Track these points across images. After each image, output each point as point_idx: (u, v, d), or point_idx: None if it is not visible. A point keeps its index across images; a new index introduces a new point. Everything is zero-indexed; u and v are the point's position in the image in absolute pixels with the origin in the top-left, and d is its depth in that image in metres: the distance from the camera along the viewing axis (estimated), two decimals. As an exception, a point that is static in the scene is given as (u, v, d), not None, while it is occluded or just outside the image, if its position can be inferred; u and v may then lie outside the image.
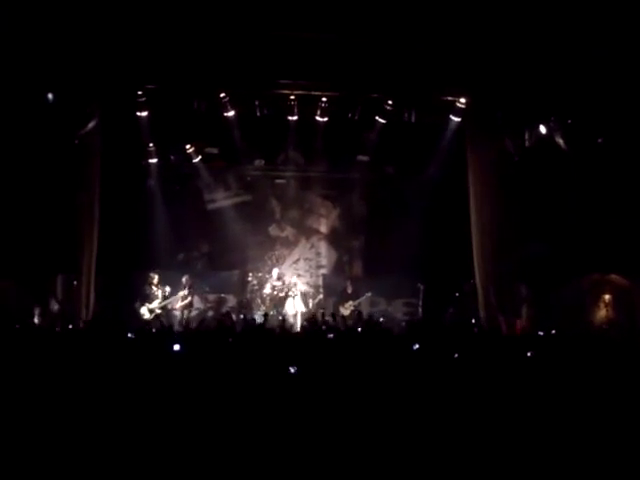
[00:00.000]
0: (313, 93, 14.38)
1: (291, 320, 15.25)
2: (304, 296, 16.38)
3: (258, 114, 14.65)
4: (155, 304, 14.90)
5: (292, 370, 6.40)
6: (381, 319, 14.83)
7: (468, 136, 14.88)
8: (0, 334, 9.81)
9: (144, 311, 14.84)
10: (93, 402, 5.39)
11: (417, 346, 8.54)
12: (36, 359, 6.91)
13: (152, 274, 15.13)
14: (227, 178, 17.52)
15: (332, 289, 16.75)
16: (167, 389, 5.72)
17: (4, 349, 7.76)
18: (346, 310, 15.65)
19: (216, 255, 17.16)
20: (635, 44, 11.73)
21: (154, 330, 12.06)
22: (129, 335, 9.36)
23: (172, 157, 16.65)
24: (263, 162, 17.45)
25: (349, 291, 15.94)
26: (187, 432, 4.95)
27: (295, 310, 15.71)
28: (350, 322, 14.62)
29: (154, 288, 15.03)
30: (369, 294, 15.93)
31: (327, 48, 12.95)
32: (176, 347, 7.66)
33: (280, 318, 14.70)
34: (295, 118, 14.74)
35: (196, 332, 11.42)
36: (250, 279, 16.55)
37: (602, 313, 14.62)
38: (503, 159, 14.66)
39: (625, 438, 4.99)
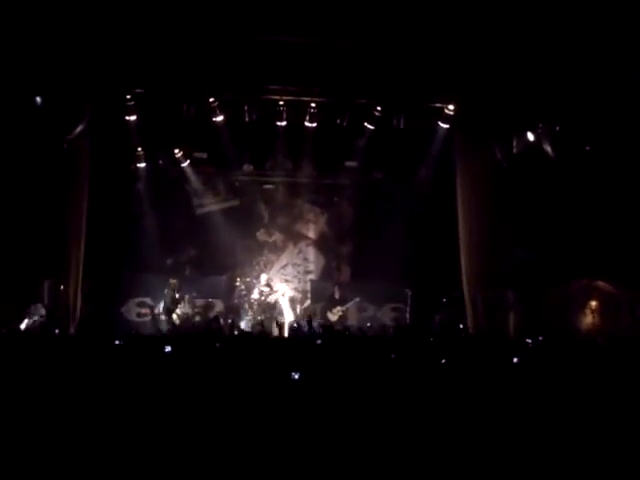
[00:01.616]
0: (302, 99, 14.38)
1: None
2: (292, 302, 16.39)
3: (247, 119, 14.61)
4: (179, 309, 15.02)
5: (296, 376, 6.37)
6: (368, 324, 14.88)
7: (456, 143, 14.93)
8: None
9: (174, 317, 14.93)
10: (82, 407, 5.37)
11: (393, 355, 8.54)
12: (24, 364, 6.88)
13: (172, 280, 15.24)
14: (215, 183, 17.51)
15: (320, 295, 16.75)
16: (159, 393, 5.71)
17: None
18: (334, 315, 15.66)
19: (204, 260, 17.13)
20: (622, 52, 11.81)
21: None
22: (117, 342, 9.30)
23: (160, 161, 16.62)
24: (252, 167, 17.43)
25: (337, 296, 15.94)
26: (177, 437, 4.94)
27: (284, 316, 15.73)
28: (338, 327, 14.63)
29: (177, 294, 15.16)
30: (357, 299, 15.94)
31: (316, 54, 12.96)
32: (167, 348, 7.68)
33: (273, 323, 14.81)
34: (284, 124, 14.72)
35: (185, 335, 11.43)
36: (238, 284, 16.53)
37: (588, 319, 14.69)
38: (491, 165, 14.71)
39: (613, 443, 5.02)
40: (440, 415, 5.68)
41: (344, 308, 15.76)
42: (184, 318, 15.09)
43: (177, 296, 15.27)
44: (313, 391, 6.10)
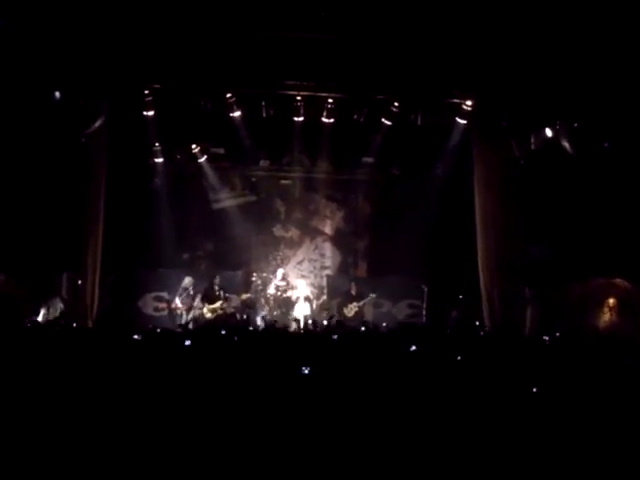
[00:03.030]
0: (319, 94, 14.37)
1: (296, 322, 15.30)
2: (307, 298, 16.36)
3: (264, 115, 14.61)
4: (217, 304, 15.06)
5: (306, 371, 6.35)
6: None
7: (474, 139, 14.88)
8: (7, 332, 9.83)
9: (206, 311, 15.01)
10: (101, 401, 5.41)
11: (414, 347, 8.53)
12: (42, 357, 6.94)
13: (216, 276, 15.35)
14: (232, 178, 17.55)
15: (336, 290, 16.76)
16: (175, 387, 5.73)
17: (11, 347, 7.77)
18: (350, 311, 15.64)
19: (220, 255, 17.17)
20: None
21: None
22: (136, 336, 9.34)
23: (178, 157, 16.67)
24: (268, 163, 17.46)
25: (353, 292, 15.92)
26: (193, 433, 4.96)
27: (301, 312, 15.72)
28: (353, 324, 14.63)
29: (216, 288, 15.19)
30: (374, 295, 15.88)
31: (334, 49, 12.97)
32: (187, 342, 7.76)
33: (290, 317, 14.86)
34: (301, 119, 14.71)
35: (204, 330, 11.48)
36: (254, 279, 16.55)
37: (606, 317, 14.60)
38: (509, 162, 14.67)
39: (628, 442, 4.99)
40: (454, 412, 5.66)
41: (360, 304, 15.72)
42: (220, 313, 15.10)
43: (217, 291, 15.25)
44: (325, 386, 6.10)
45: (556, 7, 11.80)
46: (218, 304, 15.08)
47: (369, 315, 15.93)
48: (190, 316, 15.14)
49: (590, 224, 14.02)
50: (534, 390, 6.24)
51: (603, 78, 12.36)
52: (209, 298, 15.16)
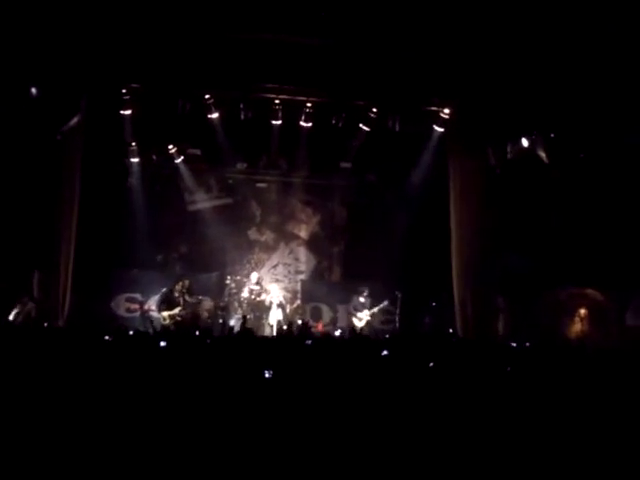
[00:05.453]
0: (298, 98, 14.40)
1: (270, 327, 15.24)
2: (281, 303, 16.27)
3: (242, 117, 14.61)
4: (176, 311, 14.72)
5: (267, 375, 6.29)
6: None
7: (450, 147, 14.97)
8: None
9: (165, 315, 14.69)
10: (70, 403, 5.35)
11: (385, 352, 8.53)
12: (12, 357, 6.85)
13: (185, 280, 15.08)
14: (208, 180, 17.47)
15: (310, 295, 16.76)
16: (147, 389, 5.69)
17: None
18: (361, 321, 15.52)
19: (195, 257, 17.08)
20: (618, 59, 11.86)
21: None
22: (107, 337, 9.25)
23: (154, 157, 16.55)
24: (245, 165, 17.42)
25: (363, 300, 15.83)
26: (166, 434, 4.93)
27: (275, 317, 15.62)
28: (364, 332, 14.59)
29: (176, 294, 14.85)
30: (386, 302, 15.72)
31: (314, 54, 13.00)
32: (162, 343, 7.71)
33: (263, 322, 14.77)
34: (279, 122, 14.73)
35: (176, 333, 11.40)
36: (228, 282, 16.47)
37: (577, 327, 14.74)
38: (484, 171, 14.75)
39: (603, 451, 5.03)
40: (425, 417, 5.67)
41: (371, 312, 15.59)
42: (175, 320, 14.76)
43: (178, 297, 14.88)
44: (293, 390, 6.07)
45: (535, 18, 11.91)
46: (176, 310, 14.70)
47: (343, 323, 15.88)
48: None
49: (563, 234, 14.16)
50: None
51: (580, 89, 12.49)
52: (168, 303, 14.84)
